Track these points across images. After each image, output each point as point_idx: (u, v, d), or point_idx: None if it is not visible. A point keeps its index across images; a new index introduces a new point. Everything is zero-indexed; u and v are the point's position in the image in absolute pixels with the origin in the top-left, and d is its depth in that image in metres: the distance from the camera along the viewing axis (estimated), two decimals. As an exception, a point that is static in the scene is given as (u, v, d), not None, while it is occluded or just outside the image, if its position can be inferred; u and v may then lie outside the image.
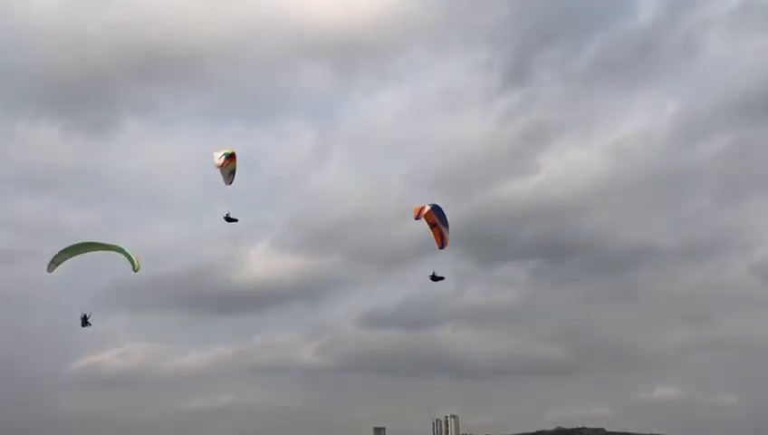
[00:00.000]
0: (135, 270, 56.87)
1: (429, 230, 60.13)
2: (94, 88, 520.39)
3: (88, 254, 56.17)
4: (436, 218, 59.46)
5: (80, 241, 55.85)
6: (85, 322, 59.26)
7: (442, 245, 60.51)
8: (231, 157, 61.50)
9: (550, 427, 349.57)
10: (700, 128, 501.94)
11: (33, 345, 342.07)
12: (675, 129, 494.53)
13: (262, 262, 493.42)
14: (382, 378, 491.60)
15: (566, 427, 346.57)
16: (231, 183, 61.64)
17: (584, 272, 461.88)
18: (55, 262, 55.48)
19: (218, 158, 59.85)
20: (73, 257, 55.58)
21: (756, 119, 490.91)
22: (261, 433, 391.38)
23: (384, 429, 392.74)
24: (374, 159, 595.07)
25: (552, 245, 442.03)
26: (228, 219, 63.65)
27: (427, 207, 58.63)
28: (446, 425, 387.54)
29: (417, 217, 57.96)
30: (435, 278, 62.13)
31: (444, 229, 60.15)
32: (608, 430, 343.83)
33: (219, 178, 61.51)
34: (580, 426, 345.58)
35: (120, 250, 57.06)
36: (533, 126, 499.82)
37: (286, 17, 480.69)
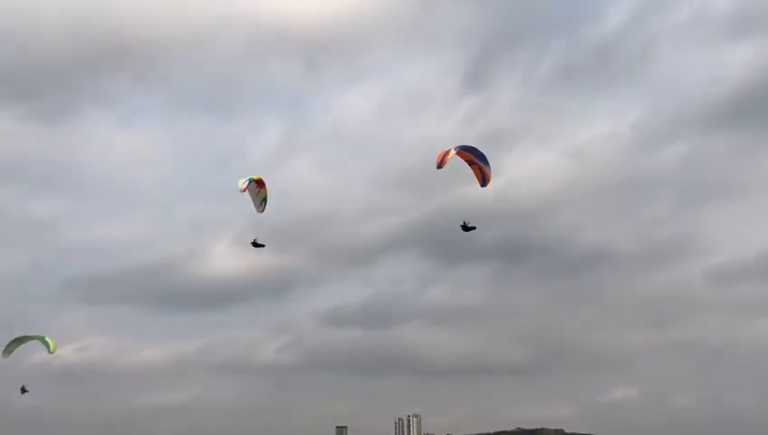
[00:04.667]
0: (50, 352, 69.82)
1: (469, 168, 55.08)
2: (52, 79, 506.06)
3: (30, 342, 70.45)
4: (473, 156, 54.08)
5: (19, 335, 70.79)
6: (24, 390, 74.89)
7: (483, 182, 55.15)
8: (259, 183, 60.95)
9: (510, 427, 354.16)
10: (659, 135, 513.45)
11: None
12: (635, 136, 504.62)
13: (225, 258, 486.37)
14: (345, 376, 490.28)
15: (526, 427, 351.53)
16: (263, 211, 61.21)
17: (544, 274, 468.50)
18: (8, 350, 68.86)
19: (242, 183, 59.46)
20: (21, 345, 69.77)
21: (711, 129, 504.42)
22: (221, 431, 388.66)
23: (346, 427, 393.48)
24: (340, 156, 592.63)
25: (512, 247, 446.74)
26: (255, 245, 64.63)
27: (453, 152, 52.36)
28: (409, 424, 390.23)
29: (440, 166, 51.78)
30: (466, 228, 57.43)
31: (484, 166, 54.61)
32: (567, 431, 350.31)
33: (249, 203, 60.78)
34: (540, 427, 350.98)
35: (41, 338, 69.29)
36: (495, 129, 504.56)
37: (256, 11, 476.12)
